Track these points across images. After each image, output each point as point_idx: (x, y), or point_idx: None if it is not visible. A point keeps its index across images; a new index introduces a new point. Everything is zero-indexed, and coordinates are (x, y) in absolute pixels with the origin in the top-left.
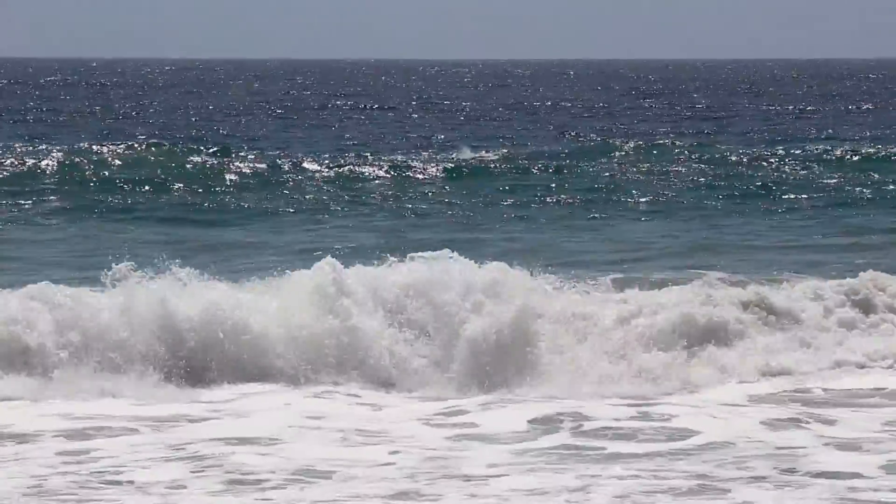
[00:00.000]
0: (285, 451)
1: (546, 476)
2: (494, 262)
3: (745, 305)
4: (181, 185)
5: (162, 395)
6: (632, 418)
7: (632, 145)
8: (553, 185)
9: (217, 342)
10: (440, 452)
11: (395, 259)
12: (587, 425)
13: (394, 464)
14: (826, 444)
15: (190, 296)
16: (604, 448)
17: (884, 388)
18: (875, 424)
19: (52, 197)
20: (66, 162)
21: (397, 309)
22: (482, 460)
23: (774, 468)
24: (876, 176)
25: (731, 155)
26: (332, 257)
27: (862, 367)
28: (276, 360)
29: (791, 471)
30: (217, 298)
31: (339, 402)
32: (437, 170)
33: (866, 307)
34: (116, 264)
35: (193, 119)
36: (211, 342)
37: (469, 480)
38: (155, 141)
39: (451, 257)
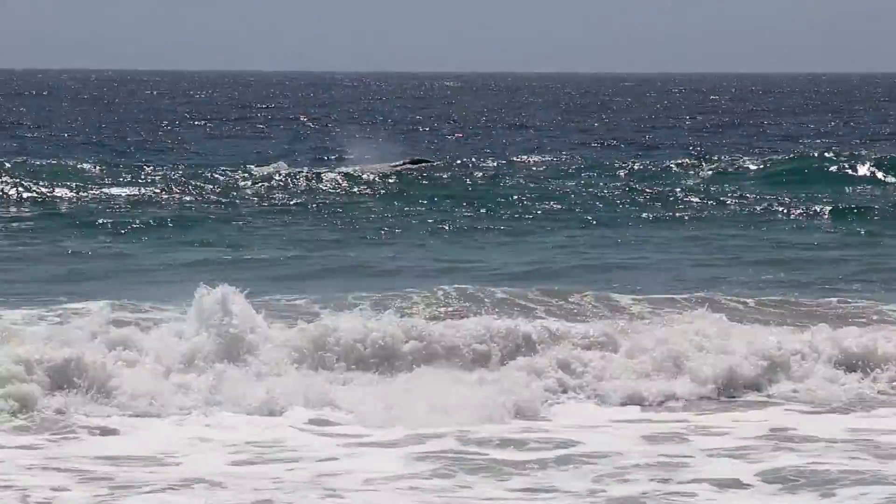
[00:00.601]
0: (179, 463)
1: (415, 493)
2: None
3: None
4: (72, 196)
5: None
6: (518, 434)
7: (535, 159)
8: (468, 197)
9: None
10: (323, 463)
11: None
12: (473, 436)
13: (272, 474)
14: (709, 454)
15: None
16: (486, 454)
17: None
18: (759, 431)
19: None
20: None
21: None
22: (364, 471)
23: (652, 479)
24: (788, 189)
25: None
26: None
27: None
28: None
29: (666, 480)
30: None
31: (239, 419)
32: (341, 179)
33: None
34: None
35: (104, 128)
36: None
37: (332, 491)
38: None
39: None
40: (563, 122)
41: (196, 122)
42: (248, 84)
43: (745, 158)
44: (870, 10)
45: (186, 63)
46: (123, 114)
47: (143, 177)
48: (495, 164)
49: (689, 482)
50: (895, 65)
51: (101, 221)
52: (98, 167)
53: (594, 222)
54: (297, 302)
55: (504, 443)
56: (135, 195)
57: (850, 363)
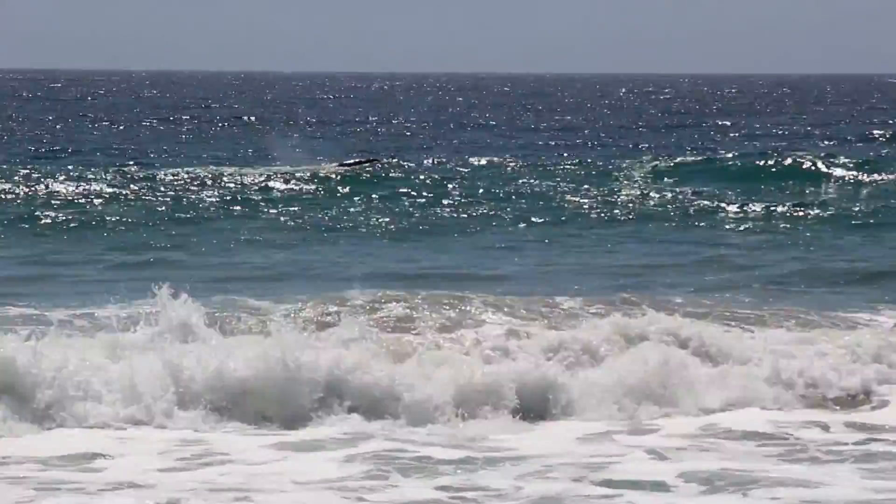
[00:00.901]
0: (106, 468)
1: (344, 493)
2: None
3: None
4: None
5: None
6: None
7: (482, 159)
8: (413, 197)
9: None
10: (255, 467)
11: None
12: (402, 437)
13: (202, 478)
14: (635, 454)
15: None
16: (416, 452)
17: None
18: (688, 429)
19: None
20: None
21: None
22: (288, 474)
23: (571, 478)
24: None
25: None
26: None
27: None
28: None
29: (580, 479)
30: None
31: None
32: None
33: None
34: None
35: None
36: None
37: (242, 495)
38: None
39: None
40: (514, 121)
41: (144, 122)
42: (198, 83)
43: (689, 157)
44: (870, 10)
45: (186, 64)
46: (68, 114)
47: (83, 178)
48: (441, 163)
49: (606, 482)
50: (895, 65)
51: (41, 223)
52: (42, 168)
53: (538, 221)
54: (233, 298)
55: (432, 443)
56: (72, 197)
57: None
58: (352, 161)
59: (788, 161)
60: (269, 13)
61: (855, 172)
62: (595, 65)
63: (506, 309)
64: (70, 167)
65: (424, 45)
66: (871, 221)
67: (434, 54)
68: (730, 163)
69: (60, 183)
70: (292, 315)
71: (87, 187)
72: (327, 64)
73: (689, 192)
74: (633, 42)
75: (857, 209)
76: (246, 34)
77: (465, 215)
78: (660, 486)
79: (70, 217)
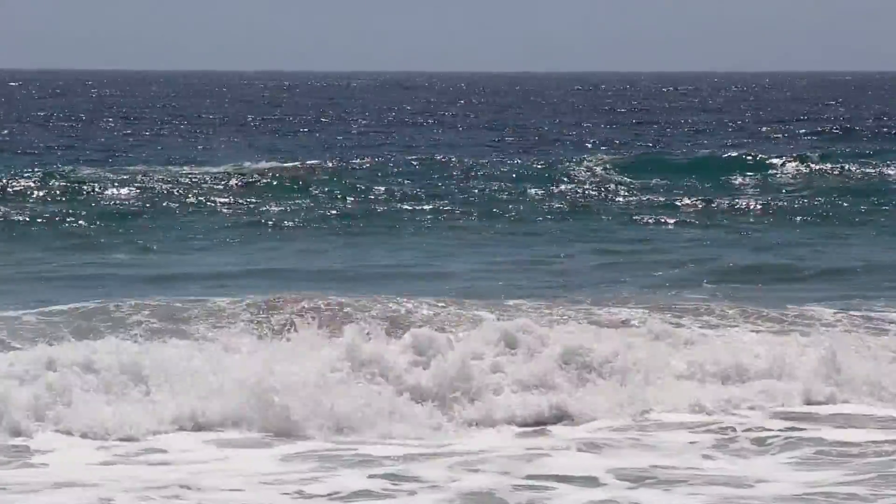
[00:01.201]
0: (47, 464)
1: (281, 486)
2: None
3: None
4: None
5: None
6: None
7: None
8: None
9: None
10: (191, 465)
11: None
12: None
13: (144, 476)
14: (567, 448)
15: None
16: (355, 449)
17: None
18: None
19: None
20: None
21: None
22: (229, 470)
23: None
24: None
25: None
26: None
27: None
28: None
29: (509, 472)
30: None
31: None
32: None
33: None
34: None
35: None
36: None
37: (183, 491)
38: None
39: None
40: (467, 118)
41: (100, 122)
42: (145, 81)
43: (638, 153)
44: (870, 10)
45: (186, 63)
46: (23, 113)
47: (33, 177)
48: (392, 161)
49: (535, 476)
50: (895, 64)
51: None
52: None
53: (487, 218)
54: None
55: (370, 441)
56: (20, 195)
57: None
58: (310, 162)
59: (737, 156)
60: (268, 13)
61: (804, 168)
62: (595, 64)
63: (462, 309)
64: (22, 166)
65: (424, 45)
66: (821, 214)
67: (434, 54)
68: (679, 159)
69: (10, 180)
70: (252, 320)
71: (35, 185)
72: (326, 64)
73: (638, 187)
74: (633, 42)
75: (805, 205)
76: (245, 34)
77: (413, 211)
78: (589, 482)
79: (18, 216)
